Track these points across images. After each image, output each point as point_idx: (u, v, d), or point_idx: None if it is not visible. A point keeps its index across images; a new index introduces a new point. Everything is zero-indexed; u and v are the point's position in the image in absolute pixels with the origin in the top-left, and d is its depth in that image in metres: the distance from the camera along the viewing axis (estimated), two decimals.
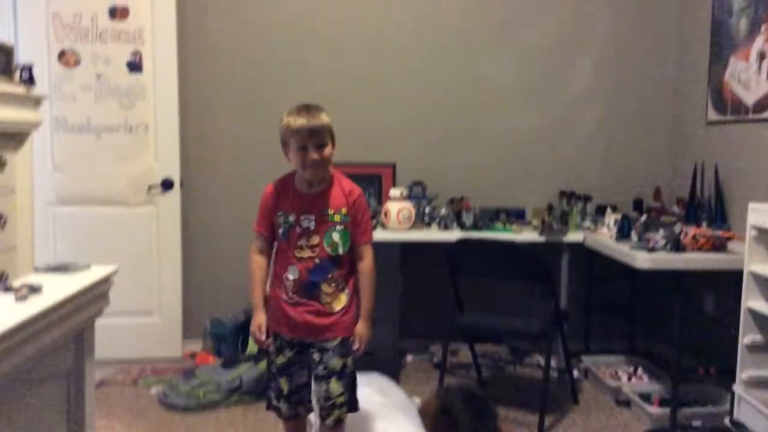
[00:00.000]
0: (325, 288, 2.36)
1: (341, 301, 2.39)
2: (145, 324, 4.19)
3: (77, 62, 4.03)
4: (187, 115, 4.21)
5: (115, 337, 3.98)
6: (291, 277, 2.36)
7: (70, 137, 4.06)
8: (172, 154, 4.14)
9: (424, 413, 2.97)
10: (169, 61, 4.07)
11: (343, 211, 2.36)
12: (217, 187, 4.33)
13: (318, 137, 2.29)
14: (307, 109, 2.31)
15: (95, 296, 1.93)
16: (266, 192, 2.44)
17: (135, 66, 4.06)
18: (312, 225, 2.34)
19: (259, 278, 2.43)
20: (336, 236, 2.35)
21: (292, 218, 2.36)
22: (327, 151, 2.32)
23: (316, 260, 2.34)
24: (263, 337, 2.41)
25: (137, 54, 4.05)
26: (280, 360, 2.46)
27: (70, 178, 4.08)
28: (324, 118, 2.31)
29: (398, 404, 3.03)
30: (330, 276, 2.35)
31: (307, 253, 2.34)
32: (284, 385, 2.48)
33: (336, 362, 2.39)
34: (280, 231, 2.37)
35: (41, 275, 1.90)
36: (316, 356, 2.41)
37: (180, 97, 4.13)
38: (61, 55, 4.01)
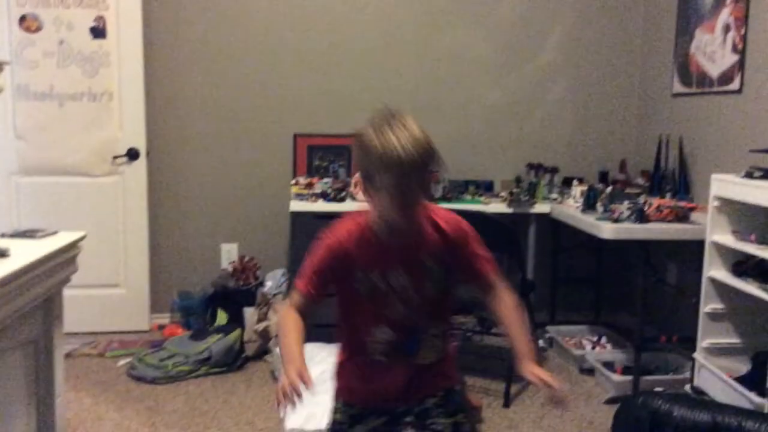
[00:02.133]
0: (426, 345, 1.80)
1: (438, 350, 1.82)
2: (111, 296, 4.15)
3: (39, 28, 3.92)
4: (153, 83, 4.13)
5: (81, 309, 3.91)
6: (381, 338, 1.78)
7: (33, 105, 3.96)
8: (138, 123, 4.06)
9: None
10: (133, 26, 3.98)
11: (440, 254, 1.76)
12: (184, 157, 4.26)
13: (424, 173, 1.65)
14: (404, 129, 1.67)
15: (63, 261, 1.90)
16: (330, 244, 1.75)
17: (98, 32, 3.97)
18: (404, 280, 1.74)
19: (297, 339, 1.71)
20: (433, 287, 1.78)
21: (375, 276, 1.74)
22: (430, 189, 1.83)
23: (414, 317, 1.77)
24: (307, 380, 1.56)
25: (101, 19, 3.96)
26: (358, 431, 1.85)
27: (33, 147, 3.99)
28: (431, 144, 1.67)
29: None
30: (431, 332, 1.80)
31: (400, 311, 1.75)
32: None
33: (444, 423, 1.81)
34: (361, 290, 1.77)
35: (8, 240, 1.87)
36: (413, 426, 1.83)
37: (145, 65, 4.04)
38: (22, 19, 3.90)
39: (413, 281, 1.74)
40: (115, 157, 4.07)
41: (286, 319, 1.75)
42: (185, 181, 4.28)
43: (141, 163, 4.09)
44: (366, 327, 1.79)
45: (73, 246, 1.94)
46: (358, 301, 1.77)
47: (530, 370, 1.70)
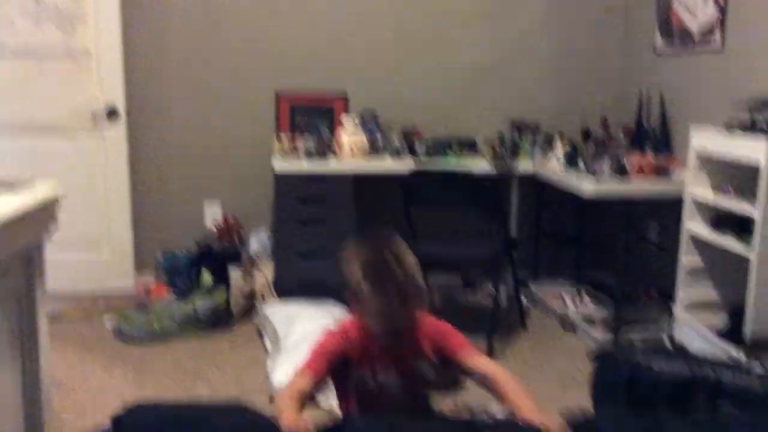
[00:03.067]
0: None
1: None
2: (95, 258, 4.13)
3: None
4: (132, 41, 4.05)
5: (65, 271, 3.87)
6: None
7: (10, 64, 3.89)
8: (116, 81, 4.00)
9: None
10: None
11: (431, 357, 1.89)
12: (165, 116, 4.20)
13: (409, 296, 1.77)
14: (398, 264, 1.75)
15: (43, 214, 1.89)
16: (330, 341, 1.85)
17: None
18: (396, 383, 1.85)
19: (291, 396, 1.70)
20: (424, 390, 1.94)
21: (368, 377, 1.84)
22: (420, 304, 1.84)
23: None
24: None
25: None
26: None
27: (11, 106, 3.93)
28: (418, 276, 1.78)
29: None
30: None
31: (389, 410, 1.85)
32: None
33: None
34: (352, 387, 1.87)
35: None
36: None
37: (124, 22, 3.97)
38: None
39: (404, 384, 1.83)
40: (94, 116, 4.01)
41: (284, 390, 1.75)
42: (167, 140, 4.23)
43: (121, 122, 4.04)
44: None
45: (52, 199, 1.93)
46: (351, 399, 1.86)
47: (530, 416, 1.66)
